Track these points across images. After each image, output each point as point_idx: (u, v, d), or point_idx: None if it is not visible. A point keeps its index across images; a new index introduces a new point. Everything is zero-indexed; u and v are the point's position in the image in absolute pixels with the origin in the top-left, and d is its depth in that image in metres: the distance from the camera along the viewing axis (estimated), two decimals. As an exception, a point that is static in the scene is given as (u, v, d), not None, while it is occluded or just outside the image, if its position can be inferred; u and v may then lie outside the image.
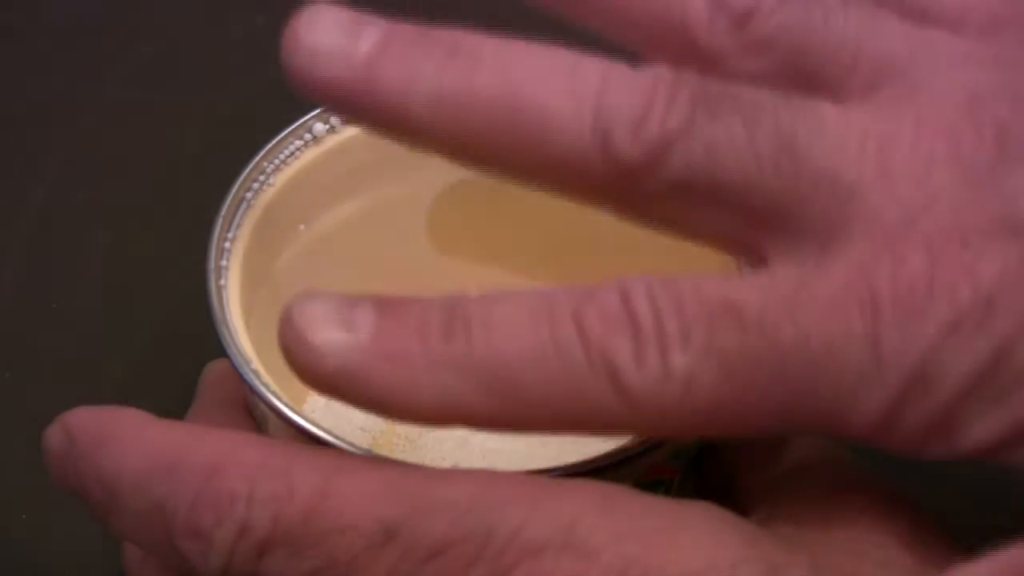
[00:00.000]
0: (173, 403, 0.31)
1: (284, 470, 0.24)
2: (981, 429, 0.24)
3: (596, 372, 0.25)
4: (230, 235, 0.32)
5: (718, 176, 0.25)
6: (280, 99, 0.39)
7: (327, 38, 0.26)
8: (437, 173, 0.33)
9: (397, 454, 0.34)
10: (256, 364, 0.29)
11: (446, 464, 0.33)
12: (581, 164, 0.25)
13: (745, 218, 0.26)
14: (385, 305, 0.26)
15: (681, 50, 0.28)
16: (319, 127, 0.34)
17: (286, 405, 0.28)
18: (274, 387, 0.28)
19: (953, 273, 0.24)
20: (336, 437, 0.27)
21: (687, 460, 0.30)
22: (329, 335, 0.25)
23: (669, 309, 0.24)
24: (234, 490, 0.24)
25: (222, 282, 0.31)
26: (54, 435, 0.27)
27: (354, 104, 0.26)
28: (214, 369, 0.33)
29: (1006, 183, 0.24)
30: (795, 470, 0.28)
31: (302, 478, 0.24)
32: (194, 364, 0.33)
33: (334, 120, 0.34)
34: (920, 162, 0.25)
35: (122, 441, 0.26)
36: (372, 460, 0.25)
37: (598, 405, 0.25)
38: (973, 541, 0.28)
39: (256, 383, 0.28)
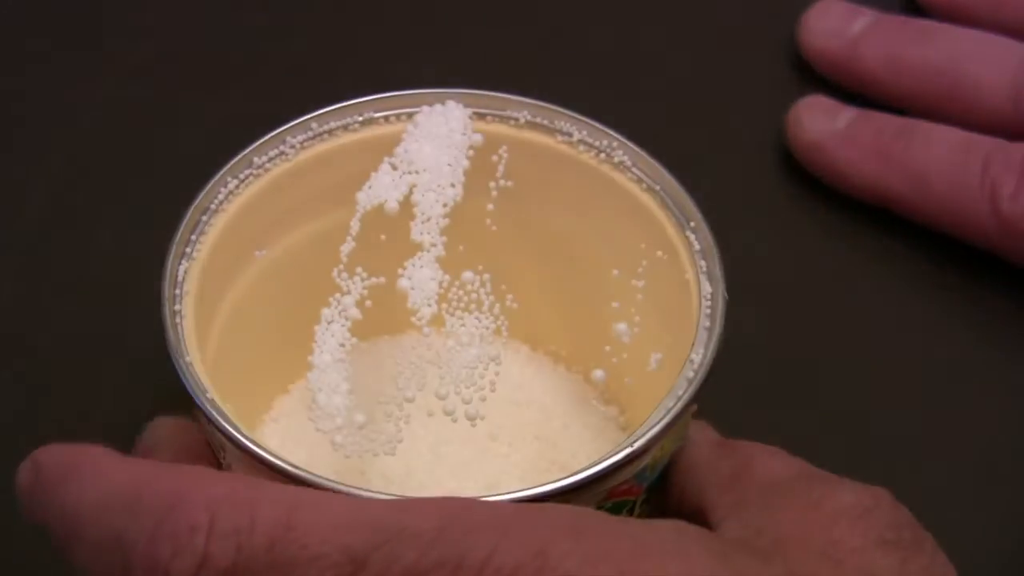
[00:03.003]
0: (173, 403, 0.31)
1: (247, 502, 0.24)
2: None
3: (983, 192, 0.40)
4: (185, 262, 0.31)
5: None
6: (280, 99, 0.39)
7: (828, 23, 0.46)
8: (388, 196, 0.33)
9: (367, 462, 0.33)
10: (212, 393, 0.29)
11: (414, 479, 0.33)
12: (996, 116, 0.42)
13: None
14: (864, 112, 0.43)
15: None
16: (274, 151, 0.33)
17: (241, 433, 0.28)
18: (230, 415, 0.28)
19: None
20: (291, 465, 0.27)
21: (650, 480, 0.29)
22: (819, 121, 0.43)
23: None
24: (195, 521, 0.24)
25: (177, 307, 0.30)
26: (24, 470, 0.27)
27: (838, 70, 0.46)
28: (165, 423, 0.32)
29: None
30: (765, 485, 0.28)
31: (265, 510, 0.24)
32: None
33: (288, 144, 0.34)
34: None
35: (85, 474, 0.26)
36: (336, 492, 0.25)
37: (975, 214, 0.40)
38: (952, 532, 0.28)
39: (212, 411, 0.28)
